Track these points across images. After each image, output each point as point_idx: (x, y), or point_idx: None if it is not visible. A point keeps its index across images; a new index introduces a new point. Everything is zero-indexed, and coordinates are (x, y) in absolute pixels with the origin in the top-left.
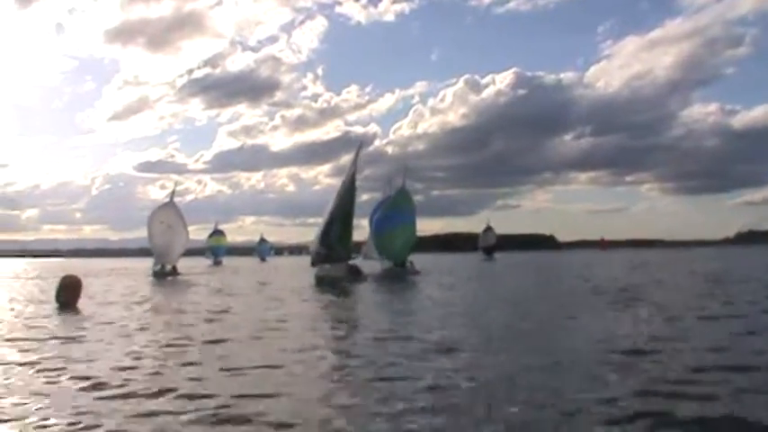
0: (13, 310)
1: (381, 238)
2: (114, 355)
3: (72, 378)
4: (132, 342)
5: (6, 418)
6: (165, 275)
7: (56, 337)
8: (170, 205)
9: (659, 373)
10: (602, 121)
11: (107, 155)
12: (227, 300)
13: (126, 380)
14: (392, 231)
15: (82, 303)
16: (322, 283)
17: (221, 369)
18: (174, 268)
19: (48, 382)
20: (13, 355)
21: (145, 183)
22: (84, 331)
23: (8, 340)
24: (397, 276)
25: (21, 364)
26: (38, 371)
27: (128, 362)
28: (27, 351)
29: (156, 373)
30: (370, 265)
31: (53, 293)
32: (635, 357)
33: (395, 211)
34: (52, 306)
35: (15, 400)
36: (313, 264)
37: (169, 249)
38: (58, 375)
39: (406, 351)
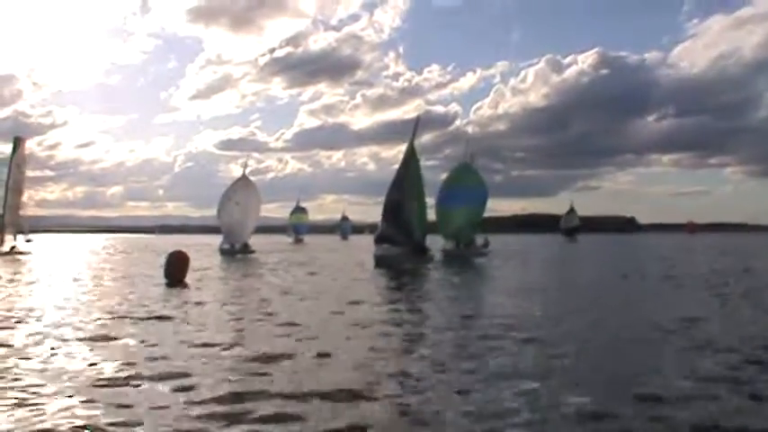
0: (122, 284)
1: (441, 216)
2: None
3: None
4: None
5: None
6: (233, 253)
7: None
8: (243, 181)
9: None
10: (686, 101)
11: (189, 133)
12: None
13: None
14: (453, 210)
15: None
16: (382, 263)
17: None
18: (247, 246)
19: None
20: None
21: (226, 161)
22: (207, 306)
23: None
24: (465, 258)
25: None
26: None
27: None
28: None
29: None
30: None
31: (150, 268)
32: None
33: (456, 189)
34: (162, 281)
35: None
36: (377, 241)
37: (237, 228)
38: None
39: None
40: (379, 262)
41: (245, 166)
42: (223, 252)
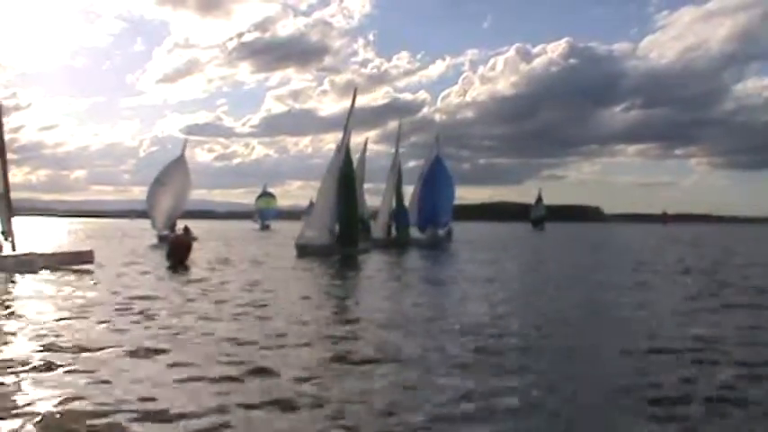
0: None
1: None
2: None
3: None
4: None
5: None
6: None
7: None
8: (177, 163)
9: None
10: (653, 93)
11: (155, 117)
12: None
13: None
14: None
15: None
16: (305, 253)
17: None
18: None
19: None
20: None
21: (192, 146)
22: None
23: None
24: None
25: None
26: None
27: None
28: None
29: None
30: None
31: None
32: None
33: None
34: (164, 265)
35: None
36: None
37: (159, 211)
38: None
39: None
40: (301, 252)
41: (184, 144)
42: (162, 239)
